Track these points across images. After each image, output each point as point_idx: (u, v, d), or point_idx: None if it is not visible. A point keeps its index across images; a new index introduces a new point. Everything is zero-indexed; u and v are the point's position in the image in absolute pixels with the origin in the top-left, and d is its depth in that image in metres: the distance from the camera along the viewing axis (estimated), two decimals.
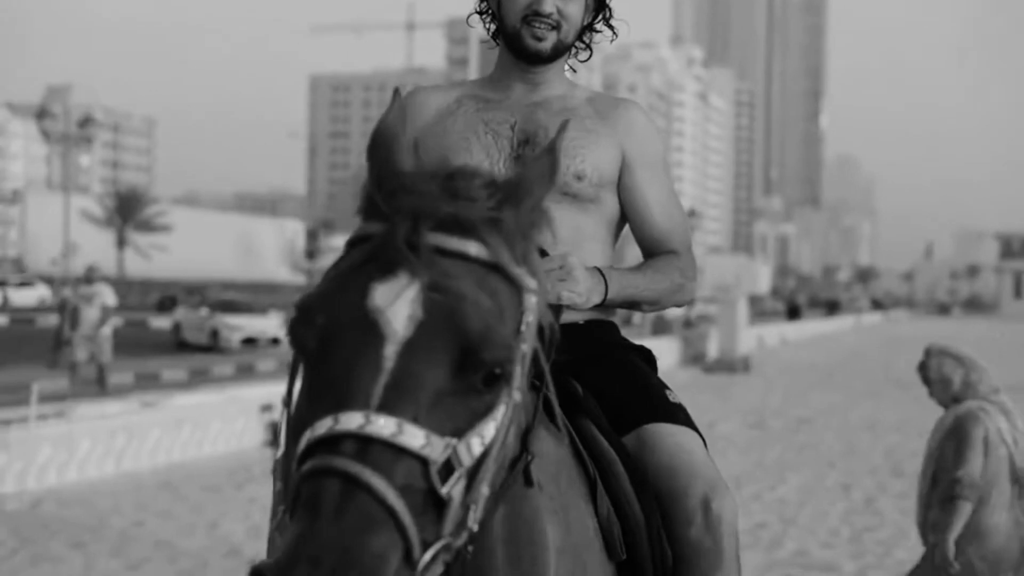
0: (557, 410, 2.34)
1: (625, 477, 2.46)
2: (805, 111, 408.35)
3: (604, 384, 2.70)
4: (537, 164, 1.84)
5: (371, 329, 1.64)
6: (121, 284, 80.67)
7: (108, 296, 18.04)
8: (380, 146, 1.81)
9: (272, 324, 36.16)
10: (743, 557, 9.59)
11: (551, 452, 2.22)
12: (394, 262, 1.66)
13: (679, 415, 2.71)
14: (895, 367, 32.92)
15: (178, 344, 36.14)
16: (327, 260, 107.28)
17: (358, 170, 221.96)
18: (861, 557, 9.21)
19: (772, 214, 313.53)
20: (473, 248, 1.71)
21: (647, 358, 2.93)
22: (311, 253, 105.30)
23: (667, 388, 2.79)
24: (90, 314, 17.73)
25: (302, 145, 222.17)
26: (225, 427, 13.69)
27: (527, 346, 1.76)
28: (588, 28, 2.92)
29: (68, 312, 18.14)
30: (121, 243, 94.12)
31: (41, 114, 50.27)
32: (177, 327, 37.67)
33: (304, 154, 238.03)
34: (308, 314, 1.70)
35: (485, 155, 2.76)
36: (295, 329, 1.71)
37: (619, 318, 2.96)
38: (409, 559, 1.56)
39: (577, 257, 2.61)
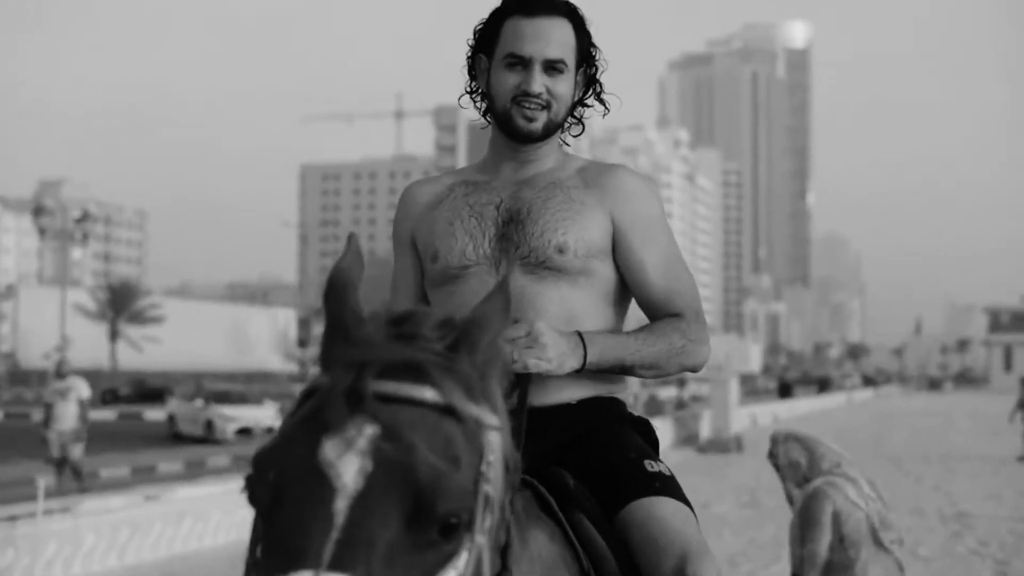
0: (553, 506, 2.40)
1: (616, 572, 2.46)
2: (792, 190, 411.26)
3: (589, 466, 2.67)
4: (490, 301, 1.81)
5: (320, 483, 1.60)
6: (114, 376, 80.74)
7: (83, 390, 17.30)
8: (333, 292, 1.80)
9: (267, 414, 36.23)
10: None
11: (544, 549, 2.23)
12: (341, 413, 1.63)
13: (654, 485, 2.64)
14: (886, 443, 33.10)
15: (173, 436, 36.24)
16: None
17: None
18: None
19: (762, 293, 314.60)
20: (424, 392, 1.67)
21: (643, 429, 2.87)
22: (303, 341, 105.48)
23: (646, 458, 2.73)
24: (67, 409, 17.00)
25: (293, 234, 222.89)
26: (225, 518, 13.86)
27: (491, 487, 1.72)
28: (579, 104, 2.91)
29: (43, 408, 17.46)
30: (114, 336, 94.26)
31: (38, 211, 50.63)
32: (172, 419, 37.78)
33: (295, 243, 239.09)
34: (261, 469, 1.67)
35: (468, 238, 2.77)
36: (250, 485, 1.68)
37: (628, 394, 2.93)
38: None
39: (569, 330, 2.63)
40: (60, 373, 17.54)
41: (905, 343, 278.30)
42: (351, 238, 1.89)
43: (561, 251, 2.72)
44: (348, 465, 1.60)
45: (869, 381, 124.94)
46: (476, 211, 2.80)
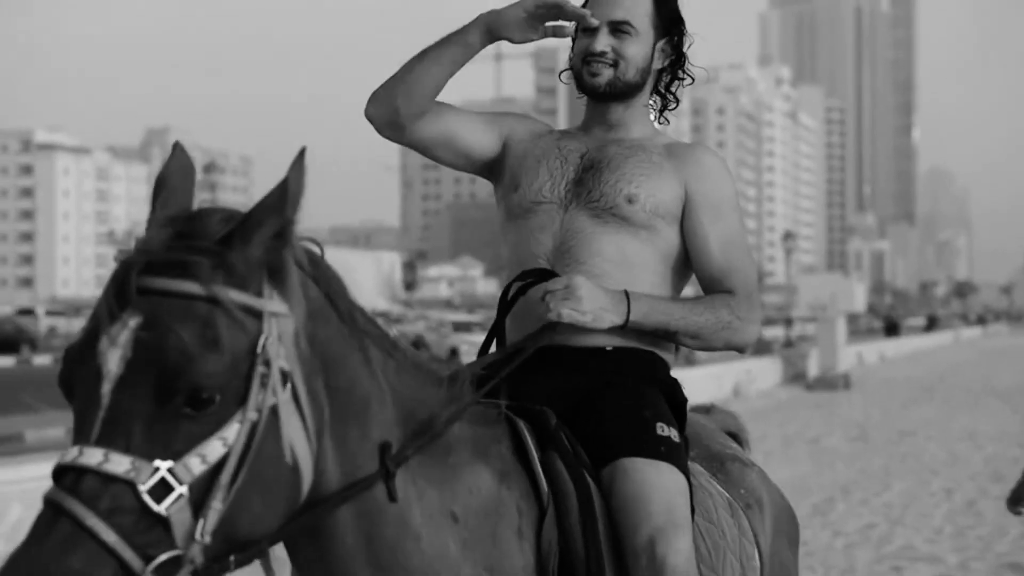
0: (527, 443, 2.52)
1: (576, 511, 2.47)
2: (896, 125, 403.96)
3: (601, 413, 2.70)
4: (268, 195, 1.95)
5: (94, 371, 1.85)
6: None
7: None
8: (154, 193, 2.06)
9: None
10: (854, 554, 10.33)
11: (484, 487, 2.37)
12: (111, 308, 1.87)
13: (659, 448, 2.63)
14: (994, 379, 33.22)
15: None
16: (424, 291, 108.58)
17: (452, 200, 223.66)
18: (964, 551, 9.72)
19: (866, 231, 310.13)
20: (184, 285, 1.86)
21: (670, 391, 2.86)
22: (409, 284, 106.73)
23: (661, 421, 2.71)
24: None
25: (395, 178, 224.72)
26: None
27: (278, 364, 1.92)
28: (671, 78, 3.03)
29: None
30: None
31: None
32: None
33: (397, 187, 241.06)
34: (64, 362, 1.94)
35: (548, 176, 2.87)
36: (60, 376, 1.95)
37: (671, 352, 2.93)
38: (127, 571, 1.77)
39: (621, 279, 2.75)
40: None
41: (1014, 281, 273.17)
42: (176, 145, 2.12)
43: (630, 201, 2.80)
44: (113, 354, 1.84)
45: (980, 320, 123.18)
46: (563, 154, 2.92)
